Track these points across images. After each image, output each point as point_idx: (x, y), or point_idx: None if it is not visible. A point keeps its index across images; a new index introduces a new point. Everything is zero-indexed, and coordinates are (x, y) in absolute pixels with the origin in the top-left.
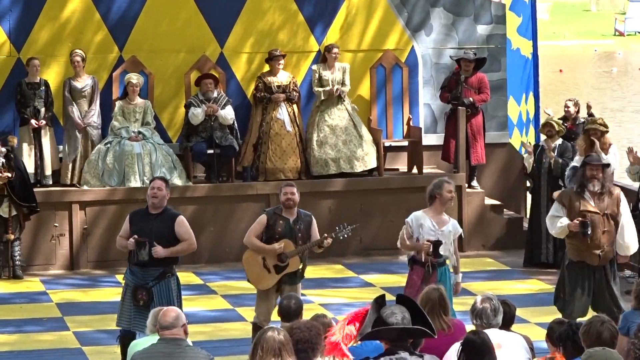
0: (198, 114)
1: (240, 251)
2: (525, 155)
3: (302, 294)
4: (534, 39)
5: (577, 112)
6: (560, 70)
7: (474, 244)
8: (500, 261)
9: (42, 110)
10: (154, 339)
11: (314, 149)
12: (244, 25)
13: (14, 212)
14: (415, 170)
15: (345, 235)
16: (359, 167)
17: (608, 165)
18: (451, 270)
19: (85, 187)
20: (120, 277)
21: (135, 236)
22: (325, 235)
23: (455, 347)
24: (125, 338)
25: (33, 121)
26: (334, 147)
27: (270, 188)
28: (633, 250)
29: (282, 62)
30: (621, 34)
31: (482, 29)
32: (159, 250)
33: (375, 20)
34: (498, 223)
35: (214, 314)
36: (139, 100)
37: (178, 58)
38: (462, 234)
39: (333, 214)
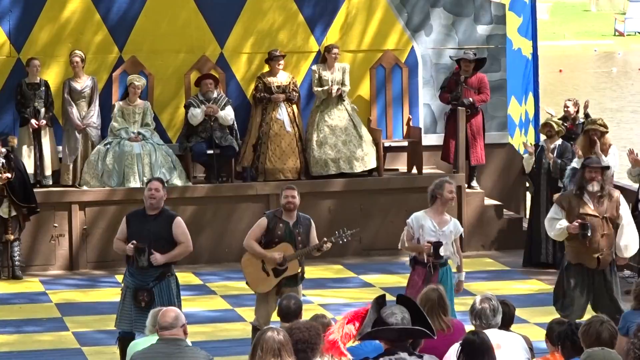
0: (197, 114)
1: (240, 251)
2: (525, 156)
3: (302, 295)
4: (534, 39)
5: (577, 112)
6: (560, 71)
7: (474, 244)
8: (500, 261)
9: (42, 110)
10: (153, 339)
11: (313, 149)
12: (244, 25)
13: (13, 213)
14: (415, 171)
15: (345, 240)
16: (359, 168)
17: (608, 167)
18: (454, 270)
19: (84, 188)
20: (120, 278)
21: (134, 242)
22: (325, 239)
23: (455, 348)
24: (124, 339)
25: (33, 121)
26: (333, 147)
27: (270, 188)
28: (633, 252)
29: (282, 62)
30: (621, 34)
31: (482, 29)
32: (157, 258)
33: (375, 21)
34: (498, 223)
35: (214, 314)
36: (138, 102)
37: (178, 58)
38: (462, 234)
39: (333, 215)
